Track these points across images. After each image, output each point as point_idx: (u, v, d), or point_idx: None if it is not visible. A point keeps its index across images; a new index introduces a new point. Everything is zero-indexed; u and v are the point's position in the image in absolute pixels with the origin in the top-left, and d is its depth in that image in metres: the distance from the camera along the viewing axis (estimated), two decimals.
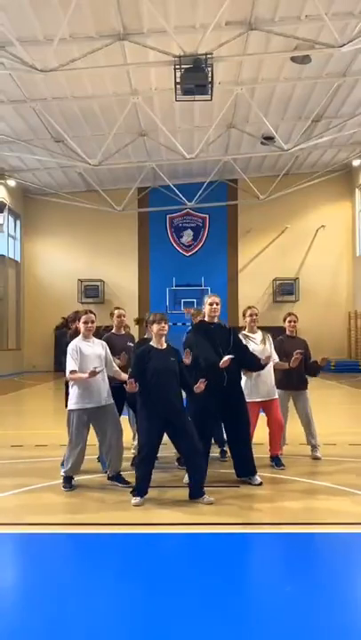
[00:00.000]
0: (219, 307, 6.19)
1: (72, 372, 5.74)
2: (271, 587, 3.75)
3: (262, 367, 6.25)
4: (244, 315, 6.88)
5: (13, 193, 24.58)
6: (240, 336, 6.48)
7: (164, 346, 5.61)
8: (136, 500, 5.31)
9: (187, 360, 5.70)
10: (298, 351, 6.75)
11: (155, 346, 5.59)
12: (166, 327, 5.59)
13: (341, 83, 16.59)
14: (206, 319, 6.24)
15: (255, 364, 6.16)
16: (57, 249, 26.26)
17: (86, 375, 5.61)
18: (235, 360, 5.89)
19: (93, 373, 5.58)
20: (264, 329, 6.96)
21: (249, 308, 6.88)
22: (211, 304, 6.18)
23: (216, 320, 6.20)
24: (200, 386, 5.45)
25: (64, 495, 5.70)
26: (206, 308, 6.22)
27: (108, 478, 6.02)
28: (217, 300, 6.22)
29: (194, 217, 26.33)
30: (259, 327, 6.88)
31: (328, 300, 25.61)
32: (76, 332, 6.14)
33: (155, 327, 5.57)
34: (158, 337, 5.60)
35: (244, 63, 15.14)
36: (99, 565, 4.07)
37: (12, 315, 25.06)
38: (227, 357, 5.80)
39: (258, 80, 16.15)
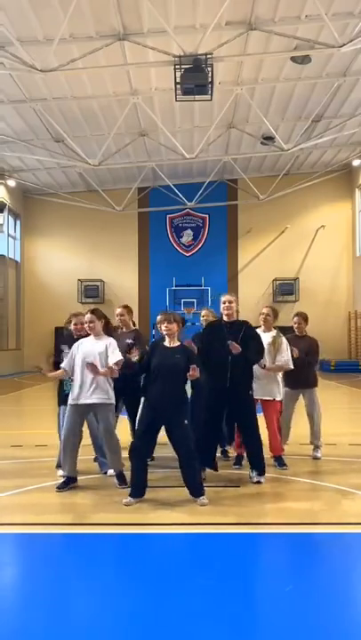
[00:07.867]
0: (232, 305, 6.17)
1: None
2: (271, 587, 3.75)
3: (255, 361, 6.18)
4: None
5: (13, 193, 24.57)
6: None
7: (175, 344, 5.59)
8: (126, 499, 5.31)
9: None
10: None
11: (164, 343, 5.63)
12: (172, 327, 5.56)
13: (341, 83, 16.60)
14: (224, 318, 6.24)
15: (253, 356, 6.08)
16: (57, 249, 26.24)
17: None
18: (243, 358, 5.87)
19: (91, 365, 5.59)
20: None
21: (265, 307, 7.00)
22: (223, 302, 6.20)
23: (232, 318, 6.17)
24: (193, 373, 5.31)
25: (63, 495, 5.69)
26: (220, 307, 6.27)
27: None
28: (230, 298, 6.22)
29: (194, 217, 26.32)
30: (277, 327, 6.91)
31: (328, 300, 25.61)
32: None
33: (161, 327, 5.68)
34: (166, 336, 5.63)
35: (244, 63, 15.15)
36: (98, 566, 4.07)
37: (12, 315, 25.05)
38: (230, 342, 5.80)
39: (258, 80, 16.16)
